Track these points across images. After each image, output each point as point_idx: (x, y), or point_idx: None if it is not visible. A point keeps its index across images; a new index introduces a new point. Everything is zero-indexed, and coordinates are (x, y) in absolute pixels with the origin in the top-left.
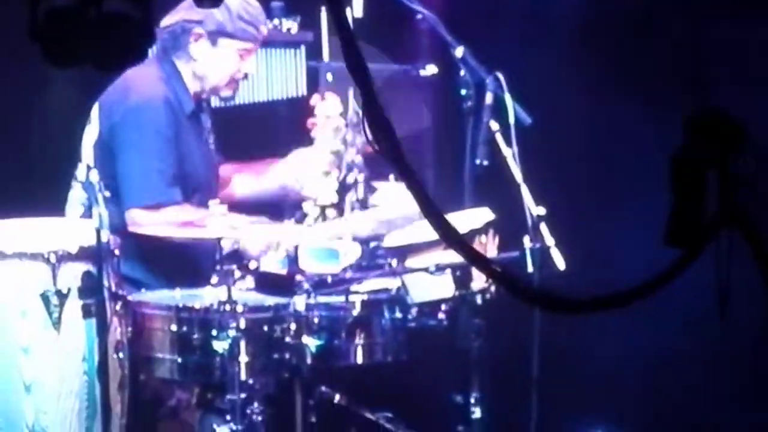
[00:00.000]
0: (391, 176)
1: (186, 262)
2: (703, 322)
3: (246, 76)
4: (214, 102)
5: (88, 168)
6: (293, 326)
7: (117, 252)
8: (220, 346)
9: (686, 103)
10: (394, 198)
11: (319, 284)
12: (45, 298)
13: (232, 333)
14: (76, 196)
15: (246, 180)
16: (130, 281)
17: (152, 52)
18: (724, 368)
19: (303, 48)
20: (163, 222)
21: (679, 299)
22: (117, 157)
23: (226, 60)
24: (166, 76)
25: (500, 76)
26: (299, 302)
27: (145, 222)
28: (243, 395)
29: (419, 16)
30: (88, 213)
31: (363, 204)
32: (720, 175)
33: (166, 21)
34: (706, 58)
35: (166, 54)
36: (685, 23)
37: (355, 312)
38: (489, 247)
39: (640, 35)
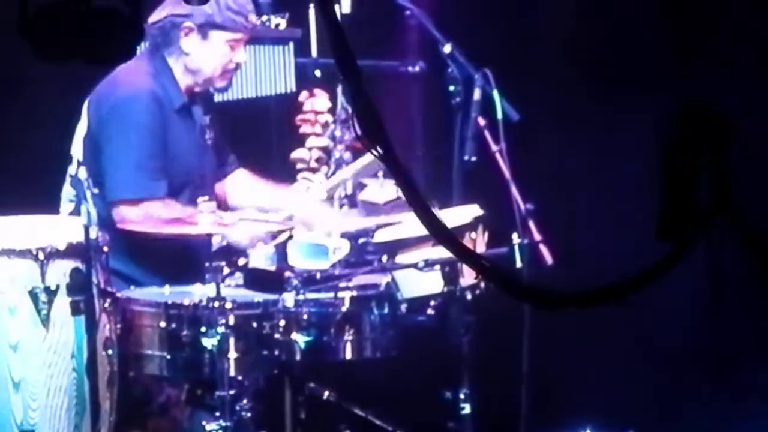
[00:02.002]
0: (380, 173)
1: (178, 258)
2: (694, 316)
3: (238, 66)
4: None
5: (78, 164)
6: (282, 323)
7: (105, 249)
8: (209, 342)
9: (674, 98)
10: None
11: (308, 281)
12: (33, 295)
13: (221, 330)
14: (66, 192)
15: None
16: (122, 277)
17: (142, 48)
18: (716, 363)
19: (291, 45)
20: (146, 217)
21: (670, 294)
22: (103, 151)
23: (217, 52)
24: (154, 71)
25: (488, 72)
26: (288, 299)
27: (128, 217)
28: (232, 392)
29: (408, 13)
30: (77, 209)
31: (351, 200)
32: (711, 168)
33: (154, 17)
34: (690, 52)
35: (156, 50)
36: (668, 19)
37: (344, 308)
38: (478, 242)
39: (629, 27)
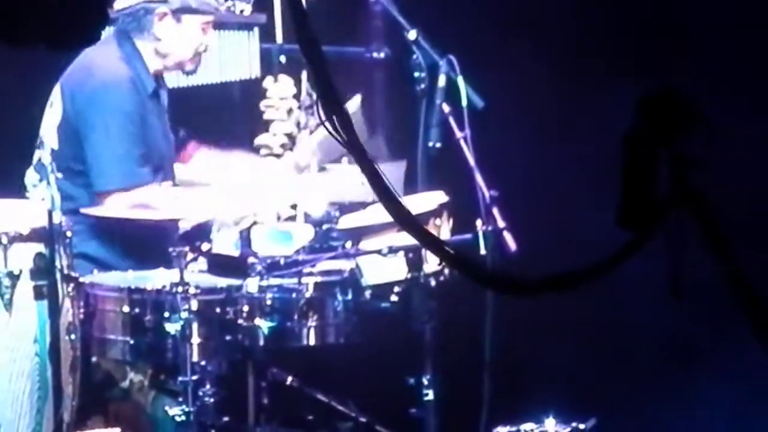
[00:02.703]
0: (344, 158)
1: (146, 242)
2: (658, 302)
3: (206, 49)
4: (170, 82)
5: (52, 151)
6: (246, 308)
7: (69, 233)
8: (173, 327)
9: (641, 83)
10: (346, 180)
11: (272, 266)
12: None
13: (184, 315)
14: (31, 177)
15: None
16: (91, 260)
17: (108, 33)
18: (679, 350)
19: (256, 30)
20: (138, 204)
21: (633, 279)
22: (85, 139)
23: (191, 35)
24: (126, 57)
25: (453, 58)
26: (252, 284)
27: (120, 205)
28: (195, 377)
29: None
30: (41, 194)
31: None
32: (670, 155)
33: (123, 2)
34: (658, 37)
35: (124, 34)
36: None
37: (308, 294)
38: (443, 229)
39: (592, 15)
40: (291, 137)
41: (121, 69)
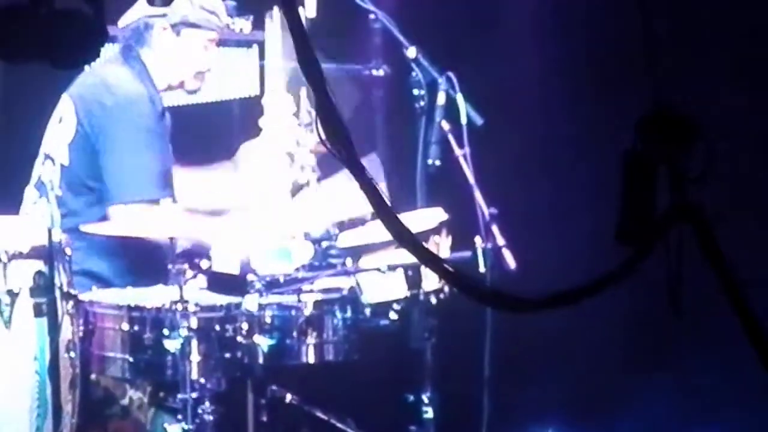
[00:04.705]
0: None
1: (147, 259)
2: (656, 319)
3: (209, 69)
4: (169, 101)
5: (60, 165)
6: (245, 325)
7: (69, 251)
8: (172, 345)
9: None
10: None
11: (272, 284)
12: None
13: (183, 332)
14: (30, 195)
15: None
16: (93, 277)
17: (113, 51)
18: (677, 367)
19: (255, 47)
20: (161, 216)
21: (630, 296)
22: (106, 153)
23: (191, 52)
24: (138, 75)
25: (452, 76)
26: (251, 302)
27: (142, 217)
28: (194, 394)
29: (372, 16)
30: (40, 211)
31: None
32: (670, 171)
33: (126, 19)
34: (660, 52)
35: (129, 52)
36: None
37: (307, 311)
38: (442, 246)
39: (592, 32)
40: (290, 155)
41: (139, 86)
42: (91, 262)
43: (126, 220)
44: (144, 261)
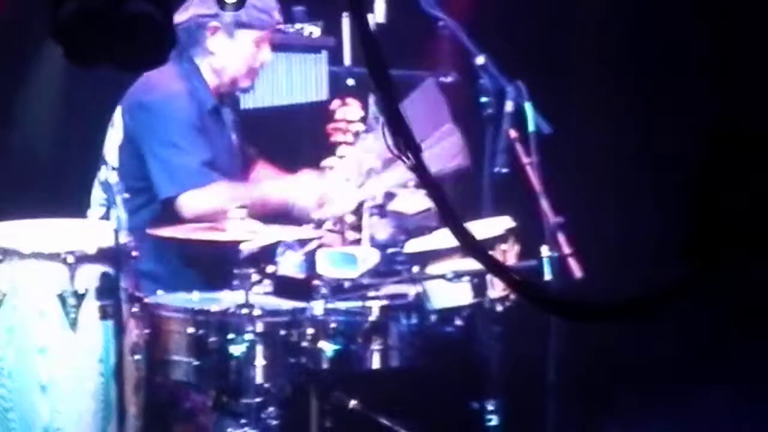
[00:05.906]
0: (410, 183)
1: (210, 262)
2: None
3: (262, 65)
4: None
5: (113, 170)
6: (310, 331)
7: (134, 253)
8: (237, 349)
9: (709, 112)
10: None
11: (337, 289)
12: (62, 298)
13: (248, 336)
14: (96, 197)
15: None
16: (158, 280)
17: None
18: (741, 376)
19: (324, 53)
20: (214, 199)
21: (696, 305)
22: (149, 151)
23: (243, 51)
24: (185, 73)
25: (521, 84)
26: (316, 307)
27: (192, 205)
28: (259, 399)
29: (441, 23)
30: (107, 214)
31: (381, 210)
32: (744, 189)
33: (178, 18)
34: (730, 65)
35: (182, 51)
36: (707, 30)
37: (372, 317)
38: (509, 255)
39: (661, 44)
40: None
41: (179, 84)
42: (154, 265)
43: (197, 206)
44: (207, 266)
